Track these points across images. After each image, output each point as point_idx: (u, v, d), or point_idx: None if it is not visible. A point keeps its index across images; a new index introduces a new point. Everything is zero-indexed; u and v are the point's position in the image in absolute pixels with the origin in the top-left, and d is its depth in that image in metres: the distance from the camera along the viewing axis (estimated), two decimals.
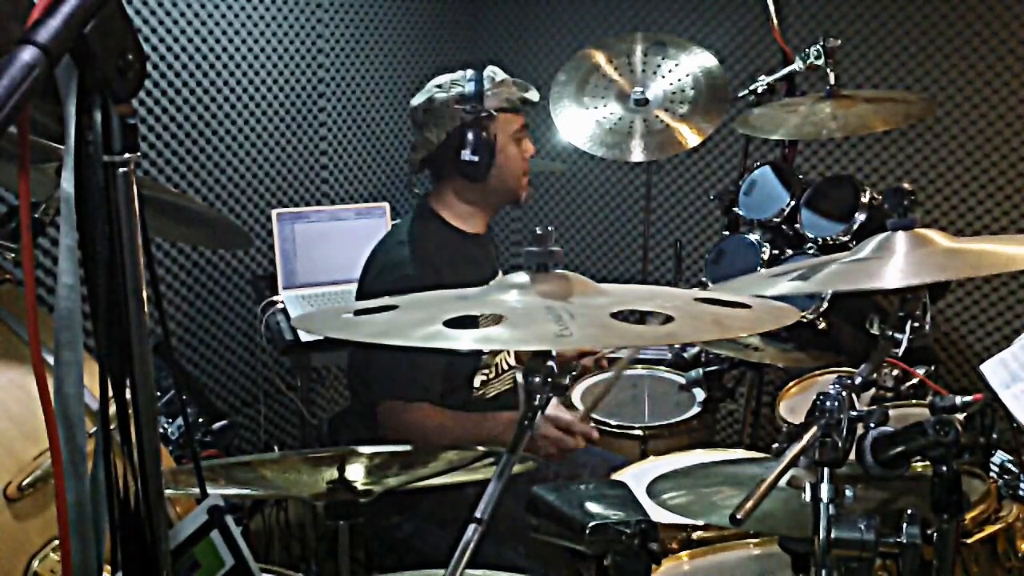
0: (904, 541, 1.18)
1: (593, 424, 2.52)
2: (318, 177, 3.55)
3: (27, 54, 0.72)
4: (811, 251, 2.51)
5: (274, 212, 3.11)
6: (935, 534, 1.22)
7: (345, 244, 3.14)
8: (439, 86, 2.27)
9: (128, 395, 0.87)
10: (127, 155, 0.84)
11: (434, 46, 3.95)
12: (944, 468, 1.22)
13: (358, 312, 1.20)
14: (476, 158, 2.23)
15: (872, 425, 1.26)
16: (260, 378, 3.34)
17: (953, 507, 1.22)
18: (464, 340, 1.04)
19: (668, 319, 1.10)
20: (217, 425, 2.44)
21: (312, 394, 3.44)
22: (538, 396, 1.13)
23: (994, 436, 1.51)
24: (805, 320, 2.41)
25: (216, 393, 3.28)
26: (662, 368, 2.78)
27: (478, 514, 1.09)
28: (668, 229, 3.89)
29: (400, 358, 2.12)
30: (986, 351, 3.24)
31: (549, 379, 1.13)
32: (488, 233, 2.44)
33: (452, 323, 1.06)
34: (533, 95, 2.33)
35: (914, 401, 2.15)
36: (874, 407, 1.28)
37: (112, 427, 0.89)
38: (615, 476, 2.09)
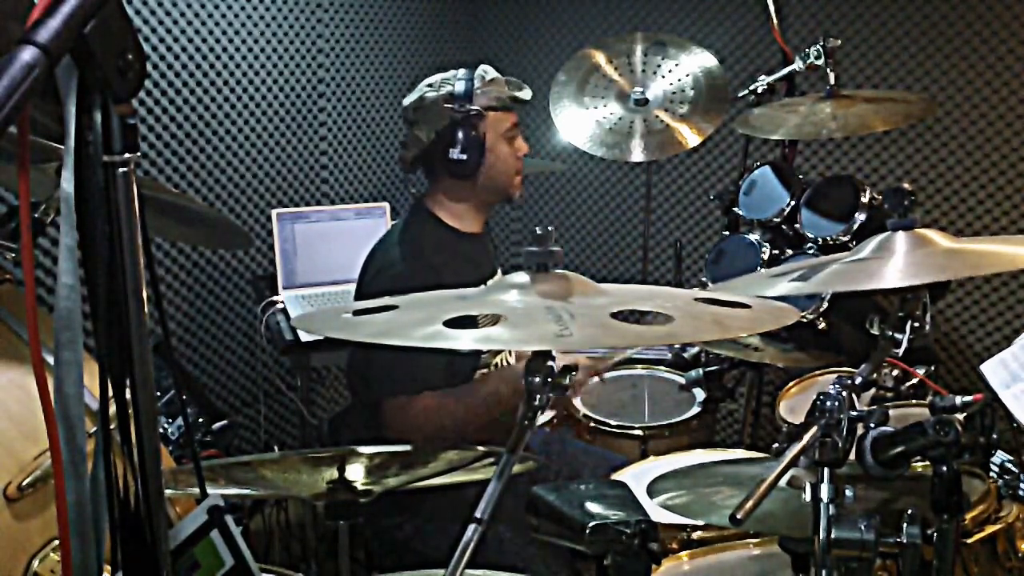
0: (904, 541, 1.18)
1: (593, 424, 2.53)
2: (318, 177, 3.55)
3: (27, 54, 0.73)
4: (811, 251, 2.51)
5: (274, 212, 3.11)
6: (935, 534, 1.23)
7: (345, 244, 3.13)
8: (430, 85, 2.27)
9: (128, 395, 0.87)
10: (127, 155, 0.84)
11: (434, 46, 3.94)
12: (944, 468, 1.22)
13: (358, 312, 1.20)
14: (465, 156, 2.23)
15: (872, 425, 1.26)
16: (260, 378, 3.34)
17: (953, 507, 1.22)
18: (464, 340, 1.04)
19: (668, 319, 1.10)
20: (217, 425, 2.44)
21: (312, 394, 3.45)
22: (538, 396, 1.13)
23: (994, 436, 1.51)
24: (805, 320, 2.41)
25: (216, 393, 3.27)
26: (662, 368, 2.78)
27: (478, 514, 1.09)
28: (668, 229, 3.88)
29: (400, 354, 2.11)
30: (986, 351, 3.24)
31: (549, 379, 1.13)
32: (486, 232, 2.43)
33: (452, 323, 1.06)
34: (525, 93, 2.33)
35: (914, 401, 2.15)
36: (874, 407, 1.28)
37: (112, 427, 0.89)
38: (615, 476, 2.09)
